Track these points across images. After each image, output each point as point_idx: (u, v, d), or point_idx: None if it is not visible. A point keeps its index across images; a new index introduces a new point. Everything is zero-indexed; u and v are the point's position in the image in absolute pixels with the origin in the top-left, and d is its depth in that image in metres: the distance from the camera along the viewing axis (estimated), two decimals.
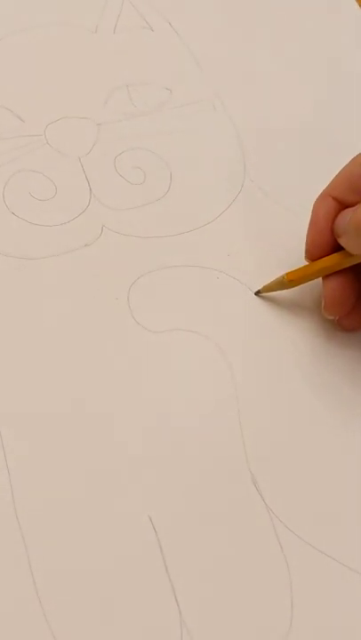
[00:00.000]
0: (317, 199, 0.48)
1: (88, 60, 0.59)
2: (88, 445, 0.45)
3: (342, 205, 0.47)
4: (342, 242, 0.46)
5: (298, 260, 0.50)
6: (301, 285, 0.49)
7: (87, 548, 0.42)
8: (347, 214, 0.46)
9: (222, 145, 0.56)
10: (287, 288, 0.49)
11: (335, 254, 0.47)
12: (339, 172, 0.48)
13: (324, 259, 0.47)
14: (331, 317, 0.49)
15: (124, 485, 0.44)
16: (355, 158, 0.47)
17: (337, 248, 0.47)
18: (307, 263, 0.48)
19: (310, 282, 0.49)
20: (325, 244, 0.47)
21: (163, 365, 0.47)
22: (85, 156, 0.54)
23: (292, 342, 0.49)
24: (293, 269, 0.48)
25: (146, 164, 0.54)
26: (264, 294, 0.50)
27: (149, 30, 0.61)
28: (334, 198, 0.47)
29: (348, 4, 0.65)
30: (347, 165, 0.48)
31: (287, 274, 0.48)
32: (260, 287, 0.50)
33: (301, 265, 0.48)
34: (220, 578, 0.42)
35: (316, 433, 0.46)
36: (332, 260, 0.47)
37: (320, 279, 0.48)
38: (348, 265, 0.47)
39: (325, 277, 0.48)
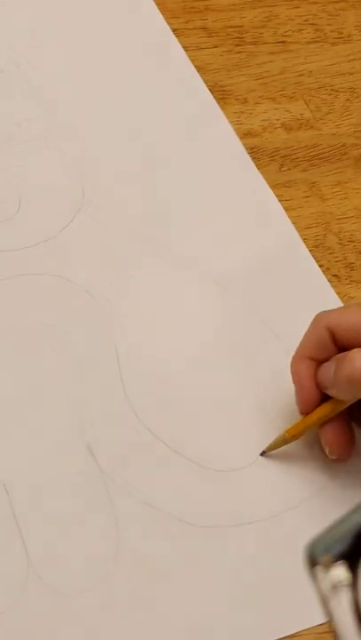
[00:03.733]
0: (294, 362, 0.52)
1: None
2: None
3: (317, 362, 0.52)
4: (332, 393, 0.51)
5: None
6: None
7: None
8: (328, 369, 0.51)
9: (63, 173, 0.64)
10: (289, 442, 0.53)
11: (327, 404, 0.51)
12: (305, 336, 0.52)
13: (318, 410, 0.51)
14: (335, 458, 0.53)
15: None
16: (317, 321, 0.52)
17: (325, 398, 0.51)
18: (301, 418, 0.52)
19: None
20: (315, 397, 0.51)
21: None
22: None
23: None
24: (292, 426, 0.53)
25: None
26: (270, 453, 0.54)
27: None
28: (309, 358, 0.52)
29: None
30: (311, 329, 0.52)
31: (287, 431, 0.52)
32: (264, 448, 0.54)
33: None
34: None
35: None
36: (326, 409, 0.51)
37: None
38: (340, 409, 0.51)
39: (322, 426, 0.52)
